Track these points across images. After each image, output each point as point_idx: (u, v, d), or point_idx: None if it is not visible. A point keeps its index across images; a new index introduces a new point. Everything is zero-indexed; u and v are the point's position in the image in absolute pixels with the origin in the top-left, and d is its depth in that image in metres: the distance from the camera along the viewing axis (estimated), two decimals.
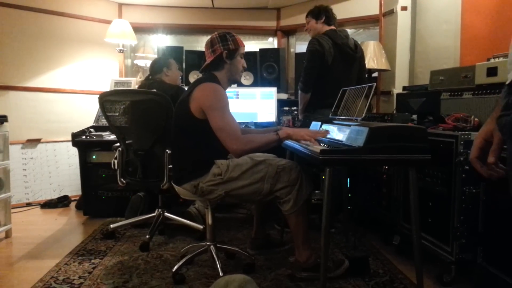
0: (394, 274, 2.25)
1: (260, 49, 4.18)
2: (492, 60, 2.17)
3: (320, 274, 1.83)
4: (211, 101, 2.05)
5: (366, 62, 3.58)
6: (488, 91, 2.13)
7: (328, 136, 2.16)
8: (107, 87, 4.13)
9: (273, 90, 3.79)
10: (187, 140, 2.15)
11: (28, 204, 3.84)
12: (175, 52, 4.08)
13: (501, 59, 2.11)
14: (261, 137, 2.11)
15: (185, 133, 2.15)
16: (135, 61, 4.76)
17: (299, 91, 2.99)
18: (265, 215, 2.59)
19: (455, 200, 1.98)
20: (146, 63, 4.61)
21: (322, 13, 3.01)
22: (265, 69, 4.06)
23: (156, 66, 3.08)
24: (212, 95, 2.07)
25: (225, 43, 2.17)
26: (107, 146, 3.09)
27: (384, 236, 2.77)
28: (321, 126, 2.45)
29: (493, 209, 1.84)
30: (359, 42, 3.81)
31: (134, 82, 4.11)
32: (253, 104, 3.76)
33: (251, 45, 4.93)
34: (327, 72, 2.86)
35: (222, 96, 2.09)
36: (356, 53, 2.99)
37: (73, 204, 3.85)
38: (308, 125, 2.76)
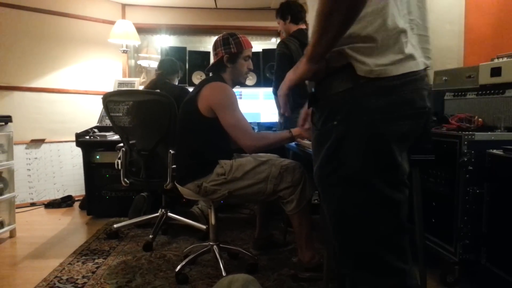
0: None
1: (263, 50, 4.18)
2: (496, 60, 2.17)
3: (323, 274, 1.83)
4: (221, 99, 2.07)
5: None
6: (492, 91, 2.13)
7: None
8: (110, 88, 4.14)
9: None
10: (192, 139, 2.15)
11: (32, 204, 3.86)
12: (178, 53, 4.09)
13: (505, 59, 2.11)
14: (274, 134, 2.13)
15: (190, 132, 2.16)
16: (139, 62, 4.77)
17: (274, 96, 2.96)
18: (268, 215, 2.59)
19: (459, 201, 1.97)
20: (150, 64, 4.63)
21: (286, 12, 2.94)
22: (268, 69, 4.06)
23: (174, 68, 3.13)
24: (221, 93, 2.09)
25: (226, 47, 2.17)
26: (111, 146, 3.10)
27: None
28: None
29: (497, 209, 1.84)
30: None
31: (138, 83, 4.13)
32: (256, 104, 3.77)
33: (254, 45, 4.88)
34: None
35: (231, 94, 2.11)
36: None
37: (76, 204, 3.87)
38: (289, 127, 2.79)
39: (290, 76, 1.00)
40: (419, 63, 0.98)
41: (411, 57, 0.96)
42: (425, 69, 1.02)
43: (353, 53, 0.95)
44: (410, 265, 1.00)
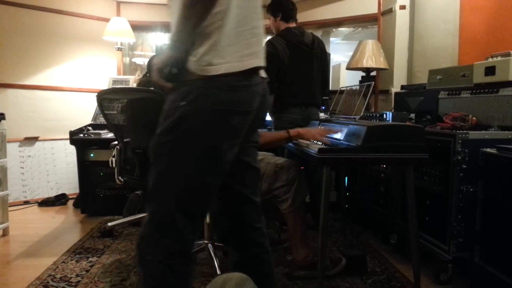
0: (391, 273, 2.25)
1: None
2: (490, 59, 2.18)
3: (318, 272, 1.83)
4: None
5: (364, 61, 3.58)
6: (486, 90, 2.14)
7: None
8: (105, 85, 4.12)
9: None
10: None
11: (26, 202, 3.83)
12: None
13: (499, 58, 2.12)
14: (270, 134, 2.13)
15: None
16: (133, 59, 4.75)
17: None
18: (263, 214, 2.59)
19: (452, 199, 1.98)
20: (144, 61, 4.61)
21: (277, 9, 2.92)
22: None
23: (151, 64, 3.09)
24: None
25: None
26: (105, 144, 3.08)
27: (381, 234, 2.77)
28: (319, 125, 2.45)
29: (490, 207, 1.85)
30: (358, 41, 3.82)
31: (132, 80, 4.11)
32: None
33: None
34: (286, 73, 2.82)
35: None
36: (312, 49, 2.91)
37: (70, 202, 3.85)
38: (279, 126, 2.80)
39: (156, 61, 1.19)
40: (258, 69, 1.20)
41: (252, 59, 1.17)
42: (261, 77, 1.24)
43: (199, 49, 1.12)
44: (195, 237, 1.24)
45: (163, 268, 1.15)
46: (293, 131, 2.07)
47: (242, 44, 1.15)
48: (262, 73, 1.27)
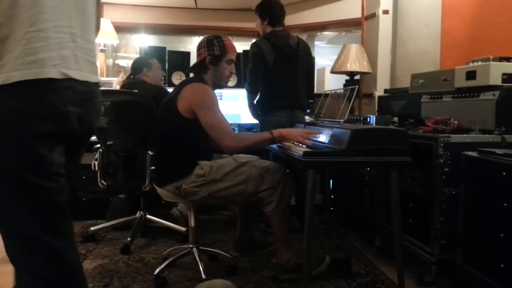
0: (376, 275, 2.27)
1: (244, 51, 4.17)
2: (471, 64, 2.22)
3: (303, 274, 1.83)
4: (202, 100, 2.06)
5: (348, 65, 3.62)
6: (467, 94, 2.18)
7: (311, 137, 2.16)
8: None
9: None
10: (172, 140, 2.13)
11: None
12: (158, 52, 4.05)
13: (479, 63, 2.16)
14: (254, 135, 2.13)
15: (170, 134, 2.14)
16: (117, 61, 4.70)
17: (247, 93, 2.95)
18: (249, 217, 2.58)
19: (435, 202, 2.01)
20: (128, 63, 4.55)
21: (265, 14, 2.95)
22: None
23: (136, 66, 3.05)
24: (202, 94, 2.08)
25: (210, 48, 2.16)
26: (87, 147, 3.03)
27: (366, 237, 2.79)
28: (304, 128, 2.46)
29: (472, 210, 1.88)
30: (342, 45, 3.85)
31: (116, 82, 4.06)
32: (236, 106, 3.76)
33: (235, 46, 4.91)
34: (271, 74, 2.83)
35: (212, 94, 2.10)
36: (298, 51, 2.92)
37: None
38: (263, 129, 2.80)
39: None
40: (57, 72, 1.05)
41: (36, 68, 1.02)
42: (74, 80, 1.09)
43: None
44: (69, 243, 1.19)
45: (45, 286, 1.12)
46: (276, 132, 2.07)
47: (23, 50, 1.01)
48: (86, 75, 1.15)
